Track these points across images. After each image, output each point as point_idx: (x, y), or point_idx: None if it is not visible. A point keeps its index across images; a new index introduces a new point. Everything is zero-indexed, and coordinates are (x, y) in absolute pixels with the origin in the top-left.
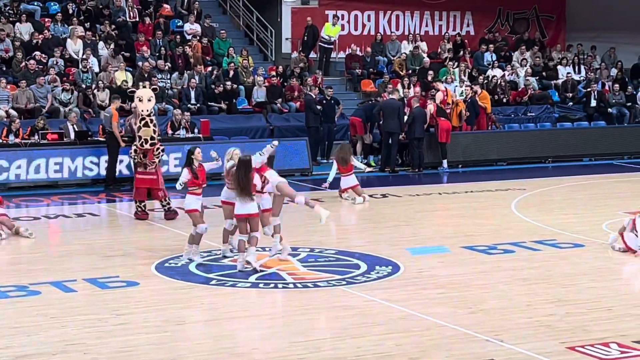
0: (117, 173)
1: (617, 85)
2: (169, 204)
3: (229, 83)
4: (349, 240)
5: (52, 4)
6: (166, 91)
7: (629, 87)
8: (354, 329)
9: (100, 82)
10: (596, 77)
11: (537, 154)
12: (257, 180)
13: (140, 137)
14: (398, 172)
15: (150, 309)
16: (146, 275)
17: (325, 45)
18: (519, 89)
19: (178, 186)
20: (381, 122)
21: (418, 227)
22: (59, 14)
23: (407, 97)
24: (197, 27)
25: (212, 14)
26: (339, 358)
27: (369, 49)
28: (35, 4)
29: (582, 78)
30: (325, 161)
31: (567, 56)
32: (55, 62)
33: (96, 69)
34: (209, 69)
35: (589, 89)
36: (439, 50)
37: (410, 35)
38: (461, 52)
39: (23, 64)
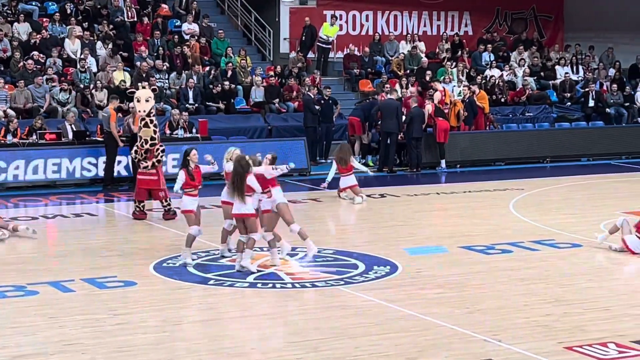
0: (115, 173)
1: (615, 85)
2: (169, 204)
3: (227, 83)
4: (347, 240)
5: (50, 3)
6: (164, 91)
7: (627, 87)
8: (352, 328)
9: (98, 82)
10: (594, 77)
11: (535, 154)
12: (254, 183)
13: (140, 138)
14: (396, 172)
15: (148, 309)
16: (144, 275)
17: (324, 45)
18: (517, 89)
19: (176, 190)
20: (379, 122)
21: (416, 227)
22: (57, 14)
23: (404, 97)
24: (195, 27)
25: (210, 13)
26: (337, 358)
27: (367, 49)
28: (33, 3)
29: (580, 78)
30: (323, 161)
31: (565, 56)
32: (53, 62)
33: (94, 69)
34: (207, 68)
35: (587, 89)
36: (437, 50)
37: (409, 35)
38: (459, 52)
39: (21, 63)
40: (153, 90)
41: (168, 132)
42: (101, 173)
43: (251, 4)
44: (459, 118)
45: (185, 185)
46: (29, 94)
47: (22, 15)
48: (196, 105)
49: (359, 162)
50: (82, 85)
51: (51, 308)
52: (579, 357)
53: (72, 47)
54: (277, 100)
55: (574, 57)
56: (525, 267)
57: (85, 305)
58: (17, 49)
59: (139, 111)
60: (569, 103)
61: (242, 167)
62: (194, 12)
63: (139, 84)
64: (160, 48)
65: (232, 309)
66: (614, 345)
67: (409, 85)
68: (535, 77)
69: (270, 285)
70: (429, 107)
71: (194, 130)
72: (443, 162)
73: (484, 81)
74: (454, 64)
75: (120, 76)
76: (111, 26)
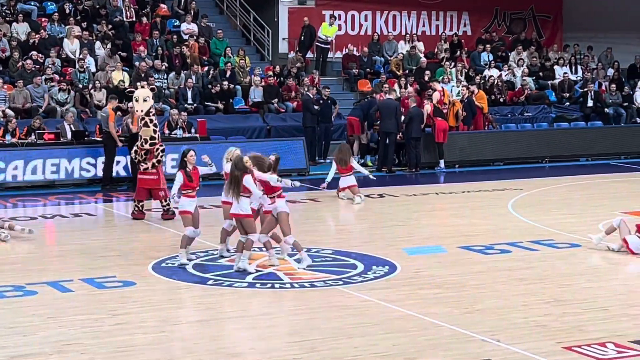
0: (114, 173)
1: (613, 85)
2: (168, 204)
3: (225, 83)
4: (345, 240)
5: (48, 3)
6: (163, 91)
7: (626, 87)
8: (350, 328)
9: (97, 82)
10: (593, 77)
11: (534, 154)
12: (251, 185)
13: (140, 137)
14: (395, 172)
15: (147, 309)
16: (143, 275)
17: (322, 45)
18: (516, 89)
19: (174, 192)
20: (378, 122)
21: (415, 227)
22: (56, 14)
23: (402, 97)
24: (194, 27)
25: (209, 13)
26: (335, 358)
27: (365, 49)
28: (32, 3)
29: (578, 78)
30: (322, 161)
31: (564, 56)
32: (52, 62)
33: (93, 69)
34: (206, 68)
35: (585, 89)
36: (436, 50)
37: (407, 35)
38: (458, 52)
39: (20, 63)
40: (151, 90)
41: (167, 132)
42: (100, 173)
43: (250, 4)
44: (457, 118)
45: (183, 187)
46: (28, 94)
47: (20, 15)
48: (195, 105)
49: (357, 162)
50: (80, 85)
51: (50, 308)
52: (577, 357)
53: (71, 47)
54: (276, 100)
55: (572, 57)
56: (524, 267)
57: (84, 305)
58: (16, 49)
59: (137, 111)
60: (568, 103)
61: (238, 168)
62: (192, 12)
63: (138, 83)
64: (159, 48)
65: (231, 309)
66: (612, 345)
67: (408, 85)
68: (534, 77)
69: (269, 285)
70: (427, 107)
71: (192, 130)
72: (442, 162)
73: (482, 81)
74: (453, 64)
75: (119, 76)
76: (110, 26)
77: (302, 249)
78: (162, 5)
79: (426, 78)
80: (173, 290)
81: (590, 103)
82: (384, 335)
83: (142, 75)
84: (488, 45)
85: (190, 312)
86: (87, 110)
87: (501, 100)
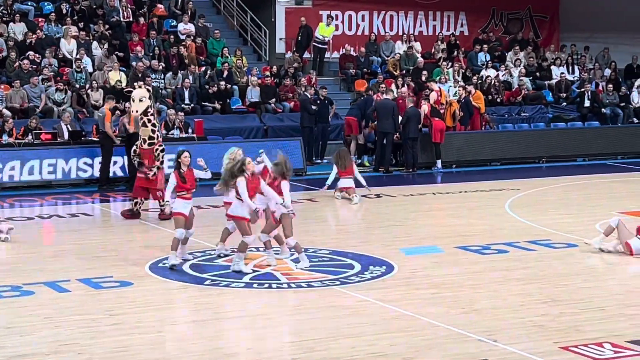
0: (110, 173)
1: (610, 85)
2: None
3: (222, 83)
4: (343, 240)
5: (45, 3)
6: (160, 91)
7: (623, 88)
8: (347, 328)
9: (94, 82)
10: (590, 77)
11: (531, 154)
12: (242, 189)
13: (140, 137)
14: (392, 172)
15: (144, 309)
16: (140, 276)
17: (319, 46)
18: (513, 89)
19: (167, 194)
20: (375, 122)
21: (412, 227)
22: (53, 14)
23: (397, 98)
24: (191, 27)
25: (206, 13)
26: (333, 358)
27: (362, 49)
28: (29, 3)
29: (575, 78)
30: (319, 161)
31: (561, 56)
32: (49, 62)
33: (90, 69)
34: (203, 69)
35: (582, 89)
36: (433, 50)
37: (404, 35)
38: (455, 52)
39: (17, 63)
40: (148, 90)
41: (164, 132)
42: (97, 173)
43: (247, 4)
44: (454, 118)
45: (177, 188)
46: (25, 94)
47: (17, 15)
48: (192, 105)
49: (355, 161)
50: (77, 85)
51: (47, 308)
52: (574, 357)
53: (68, 47)
54: (273, 100)
55: (569, 57)
56: (520, 267)
57: (81, 305)
58: (13, 49)
59: (133, 111)
60: (565, 103)
61: (233, 171)
62: (189, 12)
63: (135, 84)
64: (156, 48)
65: (228, 309)
66: (609, 345)
67: (402, 85)
68: (531, 77)
69: (266, 285)
70: (425, 107)
71: (189, 131)
72: (439, 162)
73: (479, 81)
74: (450, 64)
75: (116, 76)
76: (107, 26)
77: (302, 251)
78: (159, 5)
79: (423, 78)
80: (170, 291)
81: (587, 103)
82: (381, 335)
83: (139, 75)
84: (485, 46)
85: (187, 313)
86: (84, 110)
87: (498, 100)
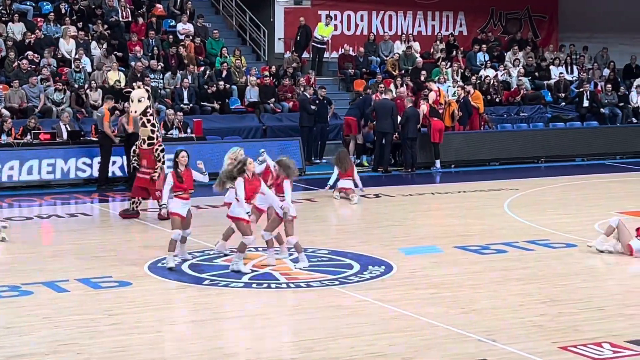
0: (109, 173)
1: (609, 85)
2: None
3: (221, 83)
4: (342, 240)
5: (44, 3)
6: (159, 91)
7: (621, 87)
8: (347, 328)
9: (92, 82)
10: (589, 77)
11: (530, 154)
12: (239, 189)
13: (139, 137)
14: (391, 172)
15: (142, 309)
16: (139, 276)
17: (318, 45)
18: (512, 89)
19: (165, 194)
20: (374, 122)
21: (411, 227)
22: (52, 14)
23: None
24: (189, 27)
25: (204, 13)
26: (332, 358)
27: (361, 49)
28: (28, 3)
29: (574, 78)
30: (318, 161)
31: (560, 56)
32: (47, 62)
33: (89, 69)
34: (202, 68)
35: (581, 89)
36: (432, 50)
37: (403, 35)
38: (454, 52)
39: (15, 63)
40: (147, 90)
41: (163, 132)
42: (96, 173)
43: (246, 4)
44: (453, 118)
45: (174, 188)
46: (24, 94)
47: (16, 15)
48: (191, 105)
49: (355, 162)
50: (76, 85)
51: (46, 308)
52: (573, 357)
53: (67, 47)
54: (272, 100)
55: (568, 57)
56: (519, 267)
57: (80, 305)
58: (12, 49)
59: (132, 111)
60: (564, 103)
61: (233, 172)
62: (188, 12)
63: (134, 83)
64: (155, 48)
65: (227, 309)
66: (608, 345)
67: (400, 85)
68: (529, 77)
69: (265, 285)
70: (423, 107)
71: (188, 130)
72: (438, 162)
73: (478, 81)
74: (449, 64)
75: (115, 76)
76: (106, 26)
77: (302, 250)
78: (158, 5)
79: (422, 78)
80: (169, 291)
81: (586, 103)
82: (380, 335)
83: (138, 75)
84: (484, 46)
85: (186, 312)
86: (83, 110)
87: (497, 100)
